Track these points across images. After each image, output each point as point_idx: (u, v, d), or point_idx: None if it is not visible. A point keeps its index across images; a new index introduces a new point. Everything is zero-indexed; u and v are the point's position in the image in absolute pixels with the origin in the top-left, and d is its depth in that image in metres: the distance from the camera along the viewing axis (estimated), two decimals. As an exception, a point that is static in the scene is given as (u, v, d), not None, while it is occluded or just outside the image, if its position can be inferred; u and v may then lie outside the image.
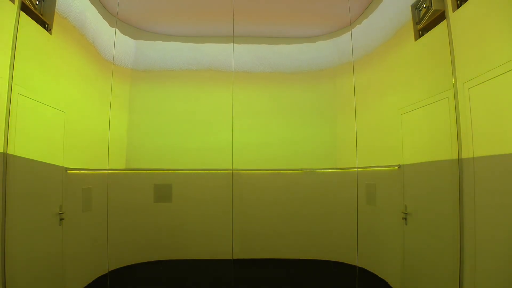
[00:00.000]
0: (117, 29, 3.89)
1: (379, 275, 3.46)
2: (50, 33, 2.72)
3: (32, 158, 2.47)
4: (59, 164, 2.82)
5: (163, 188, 4.08)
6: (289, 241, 4.13)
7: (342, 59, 4.30)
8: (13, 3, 2.28)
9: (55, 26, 2.77)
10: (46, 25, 2.69)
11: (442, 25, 2.57)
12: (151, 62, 4.29)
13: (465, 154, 2.30)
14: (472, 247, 2.21)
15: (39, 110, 2.57)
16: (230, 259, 3.74)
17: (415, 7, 2.96)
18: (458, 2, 2.43)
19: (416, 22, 2.95)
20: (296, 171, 4.23)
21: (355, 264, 3.67)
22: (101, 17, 3.64)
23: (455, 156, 2.39)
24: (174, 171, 4.12)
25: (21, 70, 2.33)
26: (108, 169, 3.58)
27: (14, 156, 2.24)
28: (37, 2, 2.63)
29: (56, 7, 2.76)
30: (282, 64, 4.43)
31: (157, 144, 4.17)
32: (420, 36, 2.90)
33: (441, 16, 2.59)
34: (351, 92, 3.82)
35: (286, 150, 4.28)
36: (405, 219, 2.95)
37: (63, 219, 2.79)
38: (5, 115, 2.18)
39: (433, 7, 2.63)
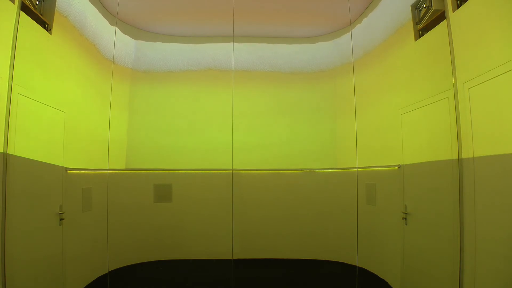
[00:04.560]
0: (117, 29, 3.89)
1: (379, 275, 3.46)
2: (50, 33, 2.72)
3: (32, 158, 2.47)
4: (59, 164, 2.82)
5: (163, 188, 4.08)
6: (289, 241, 4.13)
7: (342, 59, 4.30)
8: (13, 3, 2.28)
9: (55, 26, 2.77)
10: (46, 25, 2.69)
11: (442, 25, 2.57)
12: (151, 62, 4.29)
13: (465, 154, 2.30)
14: (472, 247, 2.21)
15: (39, 110, 2.57)
16: (230, 259, 3.74)
17: (415, 7, 2.96)
18: (458, 2, 2.43)
19: (416, 22, 2.95)
20: (296, 171, 4.23)
21: (355, 264, 3.67)
22: (101, 16, 3.64)
23: (455, 156, 2.39)
24: (174, 171, 4.12)
25: (21, 70, 2.33)
26: (108, 169, 3.58)
27: (14, 156, 2.24)
28: (37, 2, 2.63)
29: (56, 7, 2.76)
30: (282, 64, 4.43)
31: (157, 144, 4.16)
32: (420, 36, 2.89)
33: (441, 16, 2.59)
34: (351, 92, 3.82)
35: (286, 150, 4.28)
36: (405, 219, 2.95)
37: (63, 219, 2.79)
38: (5, 115, 2.18)
39: (433, 7, 2.63)
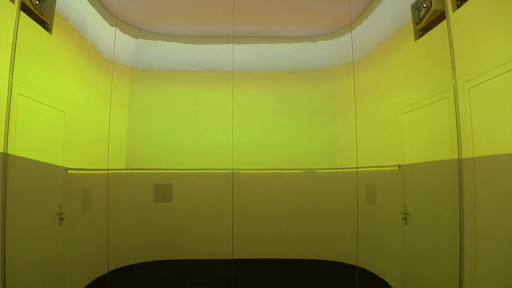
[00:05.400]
0: (117, 28, 3.89)
1: (379, 275, 3.46)
2: (50, 33, 2.72)
3: (32, 158, 2.47)
4: (59, 164, 2.82)
5: (163, 188, 4.08)
6: (289, 241, 4.13)
7: (342, 59, 4.30)
8: (13, 3, 2.28)
9: (55, 26, 2.77)
10: (46, 25, 2.69)
11: (442, 25, 2.57)
12: (152, 61, 4.29)
13: (465, 154, 2.30)
14: (472, 247, 2.21)
15: (39, 110, 2.57)
16: (230, 259, 3.74)
17: (415, 7, 2.96)
18: (458, 2, 2.43)
19: (416, 22, 2.95)
20: (296, 171, 4.23)
21: (355, 264, 3.67)
22: (101, 17, 3.64)
23: (455, 156, 2.39)
24: (174, 171, 4.12)
25: (21, 70, 2.33)
26: (108, 169, 3.58)
27: (14, 156, 2.24)
28: (37, 2, 2.63)
29: (56, 7, 2.76)
30: (282, 64, 4.43)
31: (157, 144, 4.16)
32: (420, 36, 2.89)
33: (441, 16, 2.59)
34: (351, 92, 3.82)
35: (286, 150, 4.28)
36: (405, 219, 2.94)
37: (63, 219, 2.79)
38: (5, 115, 2.17)
39: (433, 7, 2.63)
